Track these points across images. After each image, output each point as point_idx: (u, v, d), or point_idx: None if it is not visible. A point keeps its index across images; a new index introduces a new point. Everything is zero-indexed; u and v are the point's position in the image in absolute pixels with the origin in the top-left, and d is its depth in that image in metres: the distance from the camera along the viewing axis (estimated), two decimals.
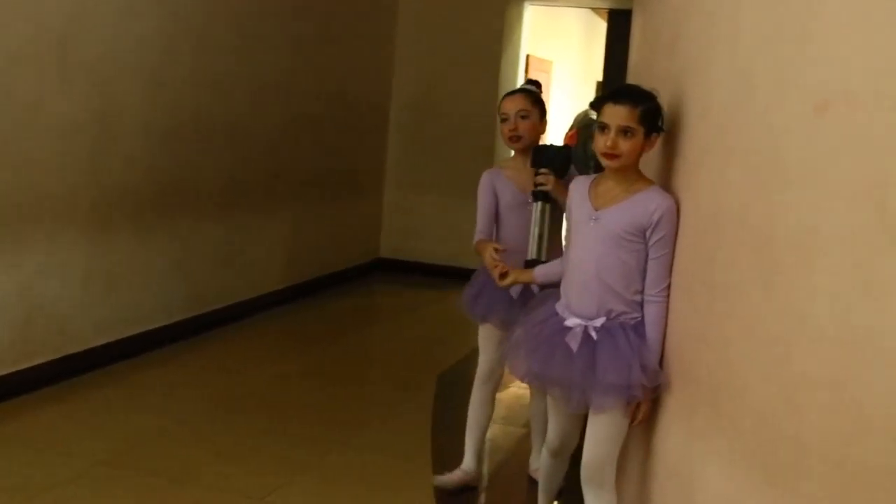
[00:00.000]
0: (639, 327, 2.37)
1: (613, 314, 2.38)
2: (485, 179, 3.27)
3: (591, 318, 2.39)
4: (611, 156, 2.32)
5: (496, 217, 3.24)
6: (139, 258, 4.75)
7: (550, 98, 11.81)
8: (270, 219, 6.08)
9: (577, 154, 10.50)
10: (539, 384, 2.71)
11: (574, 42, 12.77)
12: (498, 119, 3.25)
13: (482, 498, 3.44)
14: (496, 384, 3.42)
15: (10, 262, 3.91)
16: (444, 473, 3.42)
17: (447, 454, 3.62)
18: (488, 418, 3.44)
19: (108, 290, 4.53)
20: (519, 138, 3.19)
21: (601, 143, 2.31)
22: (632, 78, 3.57)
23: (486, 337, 3.33)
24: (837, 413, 1.33)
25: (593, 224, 2.37)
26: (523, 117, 3.17)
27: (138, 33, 4.56)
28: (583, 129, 9.88)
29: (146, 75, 4.66)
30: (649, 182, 2.38)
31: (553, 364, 2.42)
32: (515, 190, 3.19)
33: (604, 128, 2.32)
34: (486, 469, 3.60)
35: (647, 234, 2.30)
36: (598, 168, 2.55)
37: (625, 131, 2.28)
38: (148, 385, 4.36)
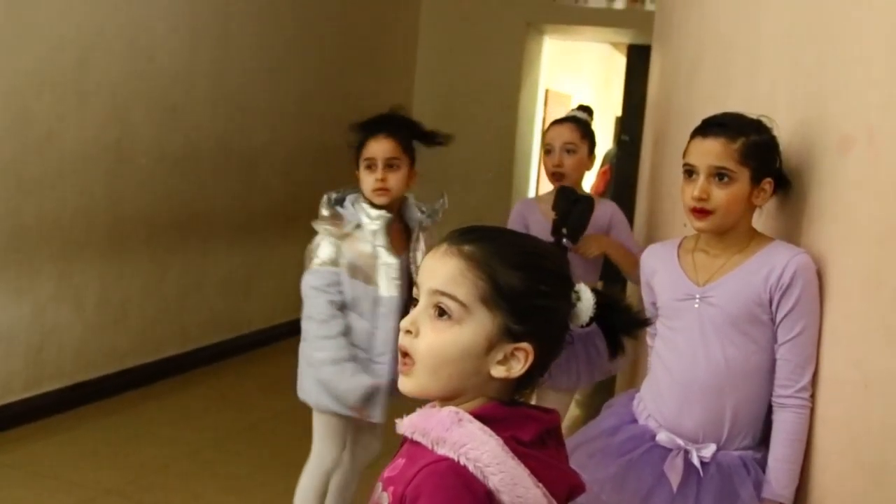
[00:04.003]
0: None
1: (730, 439, 1.68)
2: (517, 210, 2.92)
3: (696, 441, 1.68)
4: (700, 211, 1.66)
5: None
6: (153, 286, 4.74)
7: None
8: (288, 246, 6.03)
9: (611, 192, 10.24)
10: None
11: (593, 77, 12.78)
12: (542, 149, 2.83)
13: None
14: None
15: (24, 287, 3.90)
16: None
17: None
18: None
19: (122, 318, 4.51)
20: (562, 176, 2.74)
21: (687, 194, 1.67)
22: (650, 113, 3.53)
23: None
24: None
25: (699, 306, 1.69)
26: (569, 151, 2.74)
27: (156, 58, 4.58)
28: (614, 164, 9.71)
29: (163, 100, 4.67)
30: (768, 238, 1.71)
31: (625, 497, 1.71)
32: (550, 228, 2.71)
33: (690, 172, 1.68)
34: None
35: (774, 305, 1.61)
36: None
37: (719, 175, 1.64)
38: (158, 414, 4.32)
